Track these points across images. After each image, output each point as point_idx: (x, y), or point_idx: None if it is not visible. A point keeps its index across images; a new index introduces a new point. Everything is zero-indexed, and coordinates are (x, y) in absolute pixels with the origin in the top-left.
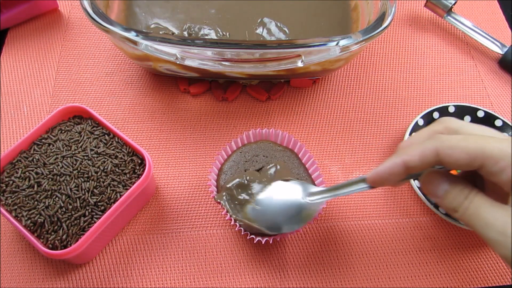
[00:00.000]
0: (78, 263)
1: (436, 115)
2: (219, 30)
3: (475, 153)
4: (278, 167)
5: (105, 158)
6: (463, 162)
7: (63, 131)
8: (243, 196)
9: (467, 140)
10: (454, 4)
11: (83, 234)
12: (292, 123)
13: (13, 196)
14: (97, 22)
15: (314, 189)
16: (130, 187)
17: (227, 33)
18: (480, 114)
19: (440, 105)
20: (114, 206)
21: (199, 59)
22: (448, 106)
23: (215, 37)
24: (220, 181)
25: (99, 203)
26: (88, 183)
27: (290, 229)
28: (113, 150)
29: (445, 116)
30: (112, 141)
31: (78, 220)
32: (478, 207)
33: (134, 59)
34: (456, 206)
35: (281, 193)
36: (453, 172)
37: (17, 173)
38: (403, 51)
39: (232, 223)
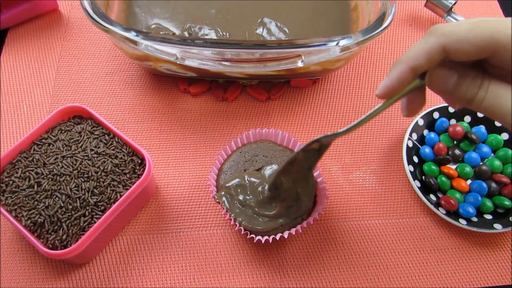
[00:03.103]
0: (78, 263)
1: (436, 115)
2: (219, 30)
3: (485, 43)
4: (276, 167)
5: (105, 158)
6: (473, 54)
7: (63, 131)
8: (243, 196)
9: (474, 30)
10: (454, 4)
11: (83, 234)
12: (292, 123)
13: (13, 196)
14: (97, 22)
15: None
16: (130, 187)
17: (227, 33)
18: (480, 114)
19: (440, 105)
20: (114, 206)
21: (199, 59)
22: (448, 106)
23: (215, 37)
24: (220, 181)
25: (99, 203)
26: (88, 183)
27: None
28: (113, 150)
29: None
30: (112, 141)
31: (78, 220)
32: (496, 97)
33: (134, 59)
34: (470, 98)
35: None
36: None
37: (17, 173)
38: (403, 51)
39: (232, 223)
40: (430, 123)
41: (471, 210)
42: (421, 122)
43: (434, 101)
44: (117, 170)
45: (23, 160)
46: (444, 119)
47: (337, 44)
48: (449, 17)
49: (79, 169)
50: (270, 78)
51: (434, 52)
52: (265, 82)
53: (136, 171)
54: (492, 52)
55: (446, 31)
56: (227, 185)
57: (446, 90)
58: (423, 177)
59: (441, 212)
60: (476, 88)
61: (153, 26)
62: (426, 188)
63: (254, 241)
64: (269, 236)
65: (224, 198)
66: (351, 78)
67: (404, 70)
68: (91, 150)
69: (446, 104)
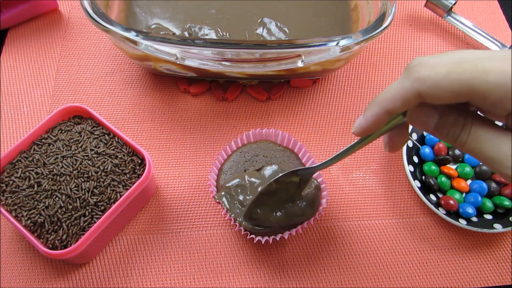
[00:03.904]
0: (78, 263)
1: None
2: (219, 30)
3: (460, 91)
4: (276, 167)
5: (105, 158)
6: (449, 100)
7: (63, 131)
8: (243, 196)
9: (450, 75)
10: (454, 4)
11: (83, 234)
12: (292, 123)
13: (13, 196)
14: (97, 22)
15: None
16: (130, 187)
17: (227, 33)
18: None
19: None
20: (114, 206)
21: (199, 59)
22: None
23: (215, 37)
24: (220, 181)
25: (99, 203)
26: (88, 183)
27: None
28: (113, 150)
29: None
30: (112, 141)
31: (78, 220)
32: (478, 141)
33: (134, 59)
34: (452, 138)
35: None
36: None
37: (17, 173)
38: (403, 51)
39: (232, 223)
40: None
41: (471, 210)
42: None
43: None
44: (117, 170)
45: (23, 160)
46: None
47: (337, 44)
48: (449, 17)
49: (79, 169)
50: (270, 78)
51: (409, 97)
52: (265, 82)
53: (136, 171)
54: (470, 98)
55: (422, 76)
56: (227, 185)
57: (427, 129)
58: (423, 177)
59: (441, 212)
60: (458, 130)
61: (153, 26)
62: (426, 188)
63: (254, 241)
64: (269, 236)
65: (224, 198)
66: (351, 78)
67: (379, 113)
68: (91, 150)
69: None
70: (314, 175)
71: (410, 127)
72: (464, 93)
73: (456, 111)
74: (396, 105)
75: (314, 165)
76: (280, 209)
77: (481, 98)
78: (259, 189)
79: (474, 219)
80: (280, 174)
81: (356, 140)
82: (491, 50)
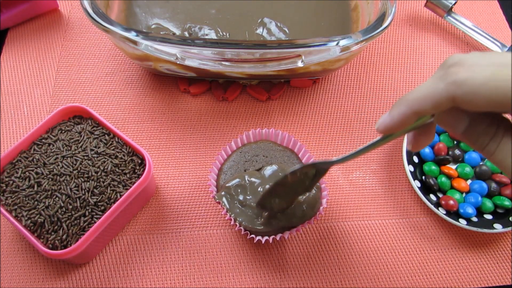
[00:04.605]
0: (78, 263)
1: None
2: (219, 30)
3: (501, 101)
4: (276, 167)
5: (105, 158)
6: (485, 109)
7: (63, 131)
8: (243, 196)
9: (490, 83)
10: (454, 4)
11: (83, 234)
12: (292, 123)
13: (13, 196)
14: (97, 22)
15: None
16: (130, 187)
17: (227, 33)
18: None
19: None
20: (114, 206)
21: (199, 59)
22: None
23: (215, 37)
24: (220, 181)
25: (99, 203)
26: (88, 183)
27: None
28: (113, 150)
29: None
30: (112, 141)
31: (78, 220)
32: (507, 154)
33: (134, 59)
34: (480, 146)
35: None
36: None
37: (17, 173)
38: (403, 51)
39: (232, 223)
40: None
41: (471, 210)
42: None
43: None
44: (117, 170)
45: (23, 160)
46: None
47: (337, 44)
48: (449, 17)
49: (79, 169)
50: (270, 78)
51: (442, 100)
52: (265, 82)
53: (136, 171)
54: (508, 109)
55: (459, 80)
56: (227, 185)
57: (455, 134)
58: (423, 177)
59: (441, 212)
60: (487, 139)
61: (153, 26)
62: (426, 188)
63: (254, 241)
64: (269, 236)
65: (224, 198)
66: (351, 78)
67: (407, 113)
68: (91, 150)
69: None
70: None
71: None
72: (505, 104)
73: (488, 119)
74: (427, 108)
75: (333, 159)
76: (293, 200)
77: None
78: (265, 187)
79: (474, 219)
80: (298, 166)
81: (378, 137)
82: None
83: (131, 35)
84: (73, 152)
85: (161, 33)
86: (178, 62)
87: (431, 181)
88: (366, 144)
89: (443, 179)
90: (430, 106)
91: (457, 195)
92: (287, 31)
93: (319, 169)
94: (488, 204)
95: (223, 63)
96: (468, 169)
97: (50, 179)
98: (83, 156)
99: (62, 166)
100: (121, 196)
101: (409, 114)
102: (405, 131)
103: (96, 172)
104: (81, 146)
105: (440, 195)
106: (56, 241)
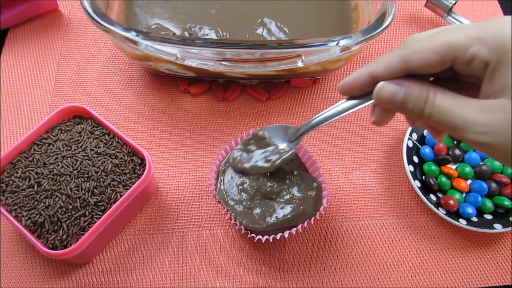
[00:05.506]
0: (78, 263)
1: None
2: (219, 30)
3: (443, 49)
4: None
5: (105, 158)
6: (435, 63)
7: (63, 131)
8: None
9: (431, 39)
10: (454, 4)
11: (83, 234)
12: (292, 123)
13: (13, 196)
14: (97, 22)
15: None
16: (130, 187)
17: (227, 33)
18: None
19: None
20: (114, 206)
21: (199, 59)
22: None
23: (215, 37)
24: (220, 181)
25: (99, 203)
26: (88, 183)
27: None
28: (113, 150)
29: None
30: (112, 141)
31: (78, 220)
32: (443, 112)
33: (134, 59)
34: (418, 114)
35: None
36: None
37: (17, 173)
38: None
39: (232, 222)
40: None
41: (471, 210)
42: None
43: None
44: (117, 170)
45: (23, 160)
46: None
47: (337, 44)
48: (449, 17)
49: (79, 169)
50: (270, 78)
51: (394, 62)
52: (265, 82)
53: (136, 171)
54: (453, 59)
55: (409, 44)
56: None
57: (394, 107)
58: (423, 177)
59: (441, 212)
60: (422, 104)
61: (153, 26)
62: (426, 188)
63: (254, 241)
64: (269, 235)
65: (224, 199)
66: None
67: (364, 73)
68: (91, 150)
69: None
70: (315, 176)
71: (410, 127)
72: (447, 51)
73: (418, 85)
74: (380, 70)
75: (299, 126)
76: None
77: (462, 51)
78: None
79: (474, 219)
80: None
81: (342, 100)
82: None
83: (131, 35)
84: (73, 152)
85: (161, 33)
86: (178, 62)
87: (431, 181)
88: (329, 108)
89: (443, 179)
90: (383, 68)
91: (457, 195)
92: (287, 31)
93: (292, 145)
94: (488, 204)
95: (223, 63)
96: (468, 169)
97: (50, 179)
98: (83, 156)
99: (62, 166)
100: (121, 196)
101: (364, 74)
102: (360, 102)
103: (96, 172)
104: (81, 146)
105: (440, 195)
106: (56, 241)
